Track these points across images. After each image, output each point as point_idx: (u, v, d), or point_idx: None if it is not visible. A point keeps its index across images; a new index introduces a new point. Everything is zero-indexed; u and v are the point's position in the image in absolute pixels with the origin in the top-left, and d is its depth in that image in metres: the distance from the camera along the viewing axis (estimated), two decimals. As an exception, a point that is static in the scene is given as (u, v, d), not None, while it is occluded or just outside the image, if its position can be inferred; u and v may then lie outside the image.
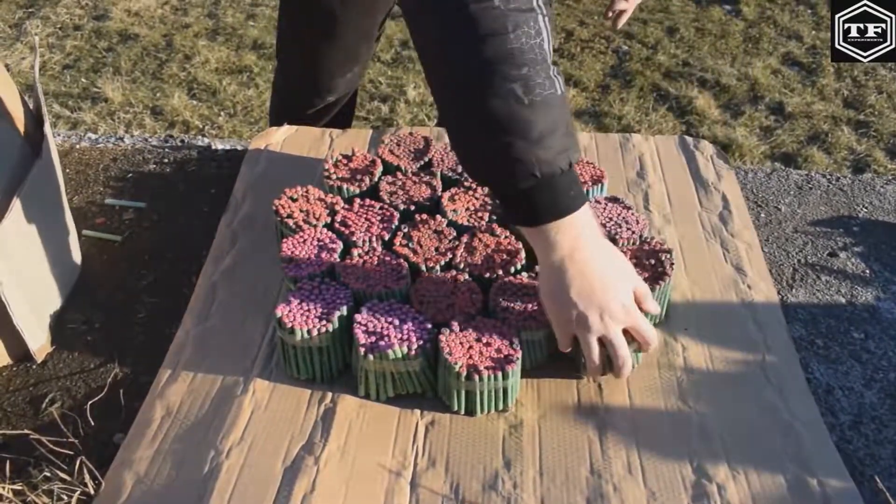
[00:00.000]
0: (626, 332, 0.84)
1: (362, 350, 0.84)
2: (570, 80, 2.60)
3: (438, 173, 1.08)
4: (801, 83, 2.60)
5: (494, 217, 1.01)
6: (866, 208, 1.19)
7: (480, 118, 0.74)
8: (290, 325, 0.86)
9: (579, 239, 0.79)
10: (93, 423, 0.88)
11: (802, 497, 0.78)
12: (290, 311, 0.88)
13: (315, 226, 1.00)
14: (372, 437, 0.84)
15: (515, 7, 0.71)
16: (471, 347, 0.84)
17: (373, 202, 1.03)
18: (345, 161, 1.10)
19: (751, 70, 2.65)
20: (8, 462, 0.83)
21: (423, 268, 0.95)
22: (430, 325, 0.86)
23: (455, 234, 0.98)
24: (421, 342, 0.84)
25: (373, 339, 0.85)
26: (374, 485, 0.80)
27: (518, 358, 0.84)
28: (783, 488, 0.79)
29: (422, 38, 0.77)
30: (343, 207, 1.03)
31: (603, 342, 0.83)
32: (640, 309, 0.85)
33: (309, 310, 0.88)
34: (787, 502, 0.78)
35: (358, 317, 0.87)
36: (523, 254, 0.95)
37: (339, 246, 0.97)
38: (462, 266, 0.94)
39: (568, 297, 0.81)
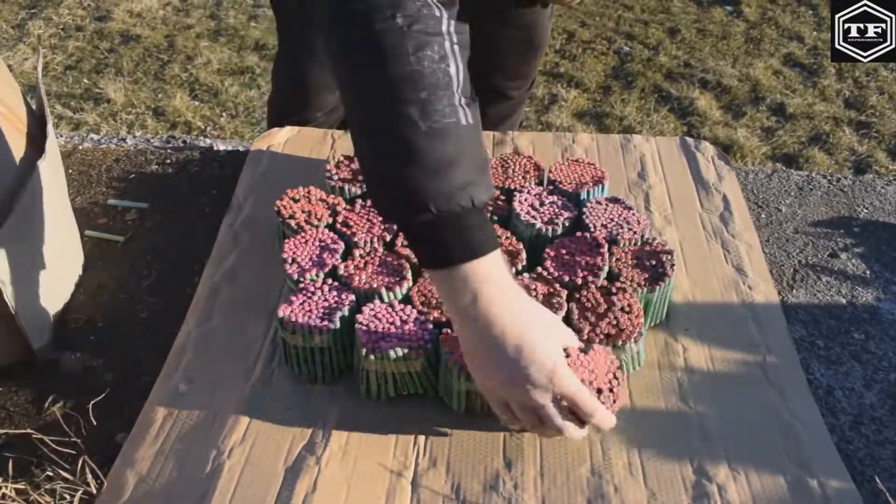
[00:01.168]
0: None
1: (364, 350, 0.84)
2: (571, 82, 2.60)
3: (440, 174, 1.08)
4: (802, 84, 2.60)
5: (496, 218, 1.01)
6: (867, 209, 1.19)
7: (376, 142, 0.70)
8: (291, 326, 0.86)
9: (485, 290, 0.71)
10: (95, 423, 0.88)
11: (803, 497, 0.78)
12: (291, 311, 0.88)
13: (317, 226, 1.00)
14: (373, 438, 0.84)
15: (420, 29, 0.67)
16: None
17: (374, 203, 1.03)
18: (346, 162, 1.11)
19: (752, 71, 2.65)
20: (10, 461, 0.84)
21: (425, 268, 0.95)
22: (431, 326, 0.87)
23: (456, 234, 0.98)
24: (422, 342, 0.85)
25: (374, 339, 0.85)
26: (375, 485, 0.80)
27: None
28: (783, 489, 0.79)
29: (331, 58, 0.73)
30: (345, 208, 1.03)
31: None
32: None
33: (311, 310, 0.88)
34: (787, 503, 0.78)
35: (359, 317, 0.87)
36: (524, 255, 0.95)
37: (341, 246, 0.97)
38: (463, 267, 0.94)
39: (482, 361, 0.75)
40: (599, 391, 0.79)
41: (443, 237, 0.70)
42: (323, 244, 0.97)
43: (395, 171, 0.69)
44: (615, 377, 0.81)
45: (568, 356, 0.77)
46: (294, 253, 0.96)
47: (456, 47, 0.70)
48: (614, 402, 0.80)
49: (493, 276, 0.71)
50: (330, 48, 0.72)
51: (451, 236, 0.70)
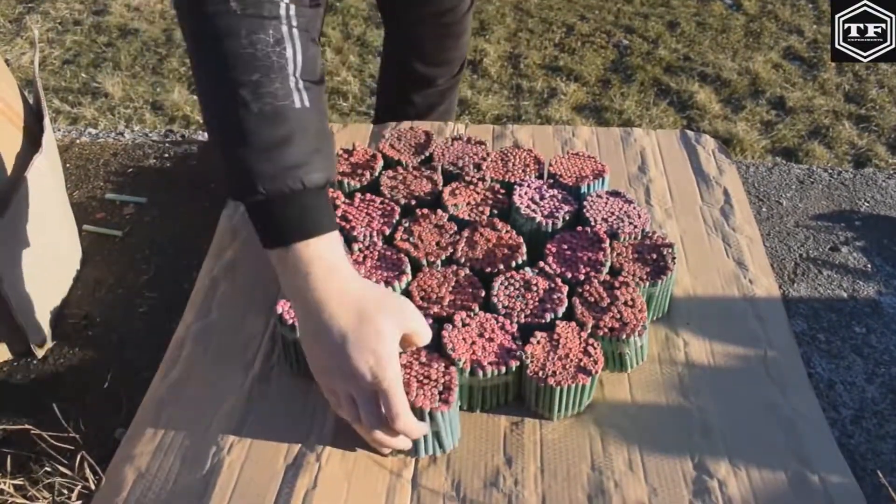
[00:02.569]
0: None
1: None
2: (570, 75, 2.59)
3: (439, 168, 1.08)
4: (802, 78, 2.59)
5: (496, 212, 1.01)
6: (868, 203, 1.19)
7: (213, 122, 0.71)
8: (290, 322, 0.86)
9: (316, 271, 0.71)
10: (93, 419, 0.88)
11: (803, 492, 0.78)
12: (290, 307, 0.87)
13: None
14: (373, 433, 0.83)
15: (254, 13, 0.68)
16: (473, 343, 0.84)
17: (373, 197, 1.03)
18: (345, 155, 1.10)
19: (752, 64, 2.64)
20: (9, 457, 0.83)
21: (424, 262, 0.94)
22: (430, 321, 0.86)
23: (456, 228, 0.98)
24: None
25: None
26: (375, 482, 0.79)
27: (520, 353, 0.84)
28: (784, 483, 0.79)
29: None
30: (343, 202, 1.02)
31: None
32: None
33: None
34: (788, 498, 0.78)
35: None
36: (524, 248, 0.95)
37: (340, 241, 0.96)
38: (463, 261, 0.94)
39: (310, 344, 0.74)
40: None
41: (275, 217, 0.70)
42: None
43: (228, 150, 0.69)
44: (590, 344, 0.84)
45: (403, 352, 0.75)
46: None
47: (295, 31, 0.70)
48: (596, 363, 0.82)
49: (325, 257, 0.71)
50: (183, 33, 0.74)
51: (282, 216, 0.70)
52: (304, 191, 0.70)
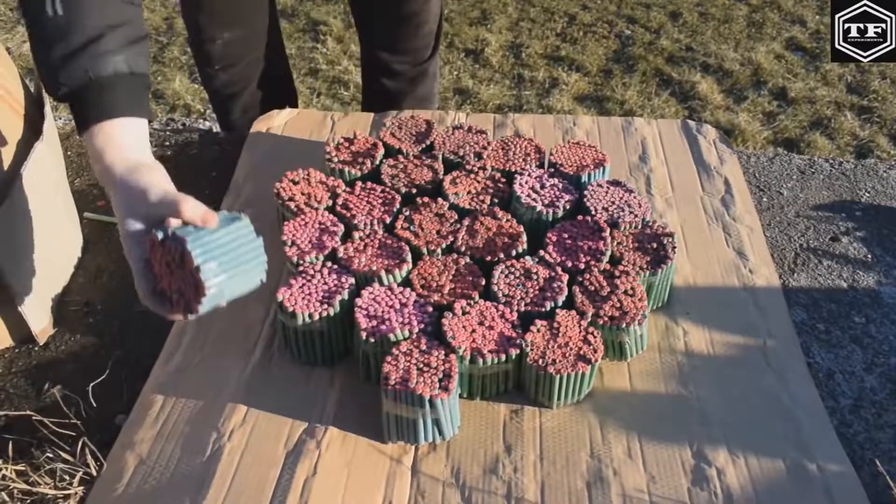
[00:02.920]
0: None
1: (363, 334, 0.84)
2: (572, 65, 2.59)
3: (440, 156, 1.08)
4: (804, 68, 2.59)
5: (496, 200, 1.01)
6: (869, 193, 1.19)
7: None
8: (291, 309, 0.86)
9: (107, 148, 0.77)
10: (95, 405, 0.88)
11: (802, 481, 0.79)
12: (291, 294, 0.88)
13: (316, 209, 0.99)
14: (373, 422, 0.84)
15: None
16: (473, 331, 0.84)
17: (374, 185, 1.03)
18: (346, 144, 1.10)
19: (754, 55, 2.63)
20: (10, 443, 0.84)
21: (425, 251, 0.95)
22: (430, 309, 0.86)
23: (457, 217, 0.98)
24: (422, 326, 0.84)
25: (374, 322, 0.85)
26: (375, 469, 0.80)
27: (520, 342, 0.84)
28: (783, 472, 0.79)
29: None
30: (344, 190, 1.02)
31: None
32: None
33: (310, 293, 0.88)
34: (786, 486, 0.78)
35: (359, 300, 0.87)
36: (525, 237, 0.95)
37: (341, 229, 0.96)
38: (463, 249, 0.94)
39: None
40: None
41: (75, 107, 0.78)
42: (322, 227, 0.97)
43: (36, 52, 0.79)
44: (590, 333, 0.84)
45: (154, 245, 0.74)
46: (293, 235, 0.96)
47: None
48: (596, 351, 0.82)
49: (114, 138, 0.77)
50: None
51: (77, 106, 0.78)
52: (72, 89, 0.77)
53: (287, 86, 1.55)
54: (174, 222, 0.73)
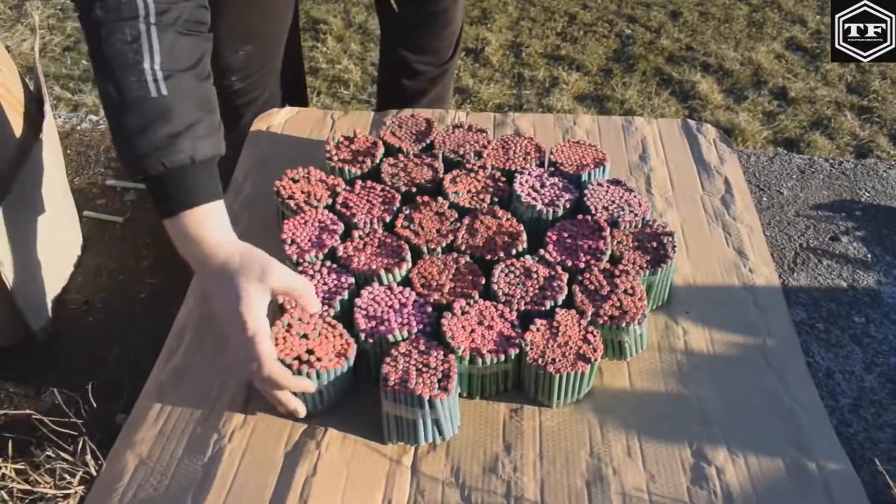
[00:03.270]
0: None
1: (362, 335, 0.84)
2: (572, 64, 2.59)
3: (440, 155, 1.08)
4: (804, 68, 2.59)
5: (496, 199, 1.01)
6: (868, 193, 1.19)
7: (104, 111, 0.80)
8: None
9: (195, 243, 0.79)
10: (94, 404, 0.88)
11: (801, 480, 0.78)
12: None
13: (316, 207, 0.99)
14: (373, 421, 0.84)
15: (115, 17, 0.76)
16: (473, 331, 0.84)
17: (374, 184, 1.03)
18: (346, 142, 1.10)
19: (754, 55, 2.63)
20: (10, 442, 0.84)
21: (425, 250, 0.94)
22: (430, 309, 0.86)
23: (457, 216, 0.98)
24: (421, 326, 0.84)
25: (373, 323, 0.85)
26: (375, 468, 0.80)
27: (519, 341, 0.84)
28: (782, 471, 0.79)
29: None
30: (344, 189, 1.02)
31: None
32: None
33: (310, 292, 0.88)
34: (785, 485, 0.78)
35: (358, 301, 0.86)
36: (525, 236, 0.95)
37: (341, 227, 0.96)
38: (463, 248, 0.94)
39: (207, 301, 0.83)
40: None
41: (155, 193, 0.79)
42: (322, 225, 0.97)
43: (112, 138, 0.80)
44: (590, 332, 0.84)
45: (275, 326, 0.79)
46: (293, 234, 0.96)
47: (154, 28, 0.77)
48: (595, 350, 0.82)
49: (195, 227, 0.79)
50: None
51: (158, 193, 0.79)
52: (169, 171, 0.77)
53: (301, 92, 1.54)
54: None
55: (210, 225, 0.79)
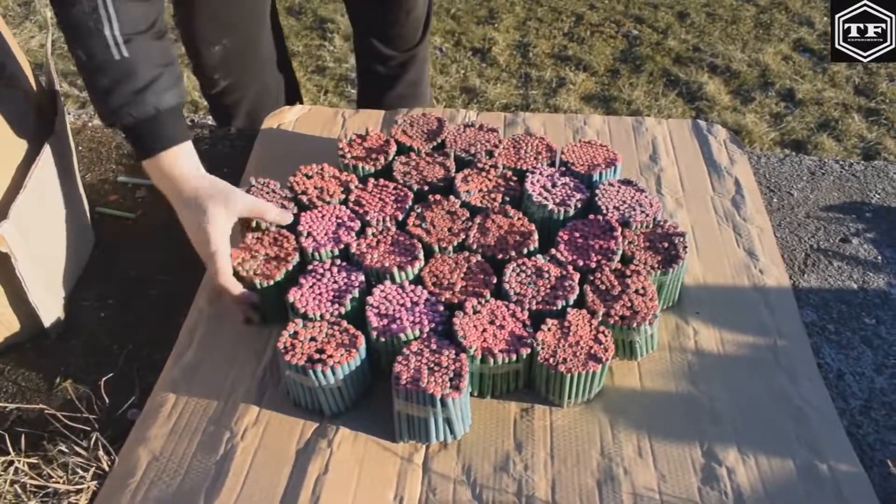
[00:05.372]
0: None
1: (374, 333, 0.84)
2: (579, 65, 2.59)
3: (452, 154, 1.08)
4: (812, 70, 2.58)
5: (508, 199, 1.01)
6: (879, 194, 1.19)
7: (79, 72, 0.90)
8: (302, 310, 0.86)
9: (169, 179, 0.91)
10: (107, 400, 0.89)
11: (812, 481, 0.79)
12: (301, 294, 0.88)
13: (330, 202, 1.00)
14: (384, 419, 0.84)
15: None
16: (485, 330, 0.84)
17: (387, 182, 1.03)
18: (359, 140, 1.10)
19: (762, 56, 2.63)
20: (23, 436, 0.84)
21: (436, 248, 0.95)
22: (441, 308, 0.87)
23: (468, 214, 0.98)
24: (432, 325, 0.85)
25: (385, 321, 0.85)
26: (386, 466, 0.80)
27: (531, 341, 0.84)
28: (793, 472, 0.79)
29: None
30: (357, 187, 1.03)
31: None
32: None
33: (321, 293, 0.88)
34: (796, 486, 0.78)
35: (370, 299, 0.87)
36: (536, 235, 0.95)
37: (358, 224, 0.97)
38: (475, 247, 0.94)
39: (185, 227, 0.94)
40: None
41: (131, 140, 0.92)
42: (339, 220, 0.97)
43: (89, 95, 0.89)
44: (601, 332, 0.85)
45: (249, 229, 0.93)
46: (310, 226, 0.96)
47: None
48: (606, 350, 0.83)
49: (175, 165, 0.91)
50: None
51: (134, 140, 0.91)
52: (140, 121, 0.88)
53: (292, 89, 1.54)
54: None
55: (180, 163, 0.91)
